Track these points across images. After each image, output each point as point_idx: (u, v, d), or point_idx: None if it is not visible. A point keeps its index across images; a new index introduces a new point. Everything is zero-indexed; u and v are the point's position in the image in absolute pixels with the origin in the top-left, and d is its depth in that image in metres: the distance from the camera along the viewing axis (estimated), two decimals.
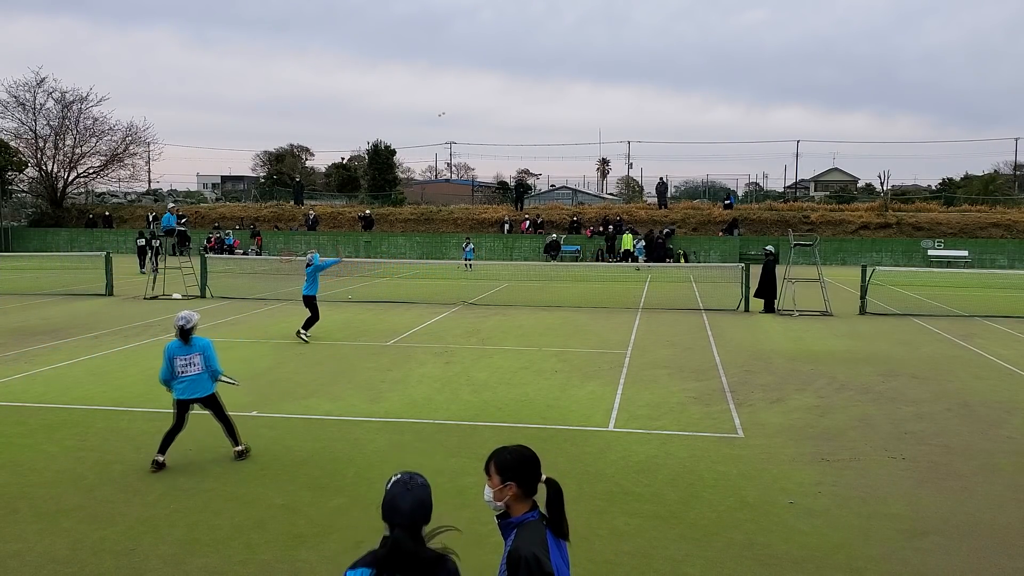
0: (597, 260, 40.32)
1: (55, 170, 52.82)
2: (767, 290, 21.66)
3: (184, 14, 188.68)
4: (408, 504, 2.97)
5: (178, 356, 8.33)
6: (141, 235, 35.75)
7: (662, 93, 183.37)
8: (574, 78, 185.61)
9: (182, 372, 8.31)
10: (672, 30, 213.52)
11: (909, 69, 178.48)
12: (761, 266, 22.25)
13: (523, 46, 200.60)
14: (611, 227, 41.82)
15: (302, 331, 16.14)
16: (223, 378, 8.68)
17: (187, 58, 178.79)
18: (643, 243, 38.83)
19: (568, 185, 65.88)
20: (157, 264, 27.00)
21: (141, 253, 34.61)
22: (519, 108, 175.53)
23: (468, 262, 34.29)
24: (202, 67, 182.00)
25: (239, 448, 8.59)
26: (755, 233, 43.97)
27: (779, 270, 22.23)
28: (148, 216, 47.17)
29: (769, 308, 21.47)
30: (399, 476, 3.07)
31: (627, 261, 37.76)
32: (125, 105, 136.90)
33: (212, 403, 8.54)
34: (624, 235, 40.17)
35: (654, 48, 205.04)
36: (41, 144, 52.15)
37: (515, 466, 3.23)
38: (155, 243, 30.65)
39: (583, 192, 65.57)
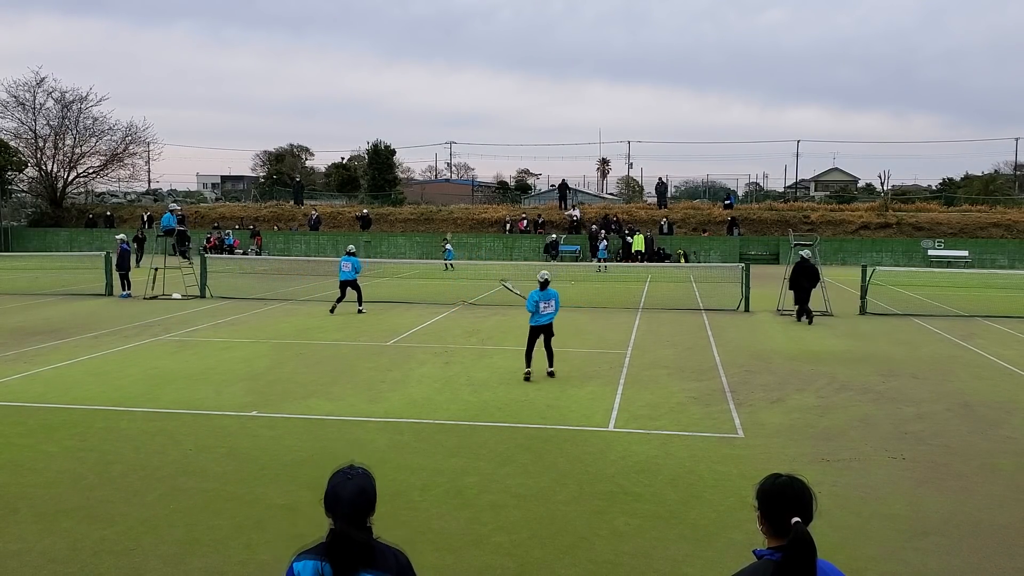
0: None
1: (55, 170, 52.77)
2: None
3: (198, 13, 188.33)
4: (349, 493, 2.93)
5: (541, 300, 12.64)
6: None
7: (674, 94, 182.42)
8: (588, 78, 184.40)
9: (544, 309, 12.63)
10: (691, 29, 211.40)
11: (928, 68, 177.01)
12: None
13: (536, 47, 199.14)
14: (627, 229, 42.12)
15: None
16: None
17: (191, 58, 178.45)
18: (606, 243, 38.91)
19: (568, 185, 65.71)
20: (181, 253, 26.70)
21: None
22: (529, 110, 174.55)
23: (449, 263, 34.15)
24: (208, 67, 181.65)
25: (551, 370, 12.71)
26: (755, 233, 44.00)
27: (779, 270, 22.20)
28: (143, 216, 47.06)
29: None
30: (340, 468, 3.05)
31: (637, 260, 38.07)
32: (127, 105, 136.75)
33: (549, 330, 12.82)
34: (636, 236, 40.44)
35: (671, 47, 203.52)
36: (41, 144, 52.07)
37: (759, 495, 2.94)
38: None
39: (583, 192, 65.48)
